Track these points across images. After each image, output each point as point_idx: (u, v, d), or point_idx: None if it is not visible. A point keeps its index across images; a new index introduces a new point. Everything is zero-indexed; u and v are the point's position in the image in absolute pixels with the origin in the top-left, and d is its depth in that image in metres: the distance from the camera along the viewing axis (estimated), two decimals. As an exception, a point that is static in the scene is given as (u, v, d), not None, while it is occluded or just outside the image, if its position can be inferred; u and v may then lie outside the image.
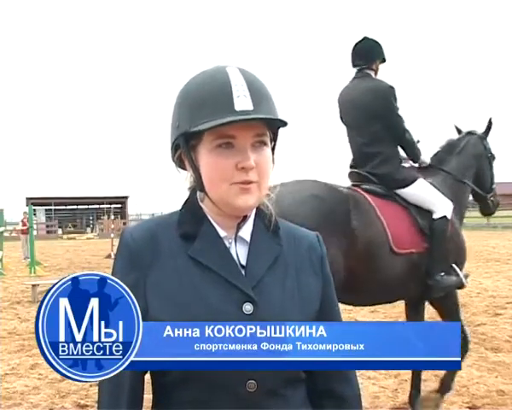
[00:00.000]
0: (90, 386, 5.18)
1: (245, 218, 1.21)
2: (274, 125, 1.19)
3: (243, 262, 1.18)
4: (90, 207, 53.81)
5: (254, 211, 1.24)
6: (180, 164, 1.23)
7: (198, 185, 1.19)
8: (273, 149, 1.22)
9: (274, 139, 1.22)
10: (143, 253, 1.17)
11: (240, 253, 1.19)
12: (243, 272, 1.17)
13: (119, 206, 51.41)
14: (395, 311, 8.47)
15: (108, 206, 50.07)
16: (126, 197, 49.74)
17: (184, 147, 1.17)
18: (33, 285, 10.84)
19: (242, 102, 1.12)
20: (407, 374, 5.25)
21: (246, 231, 1.21)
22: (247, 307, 1.13)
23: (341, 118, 4.02)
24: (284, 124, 1.18)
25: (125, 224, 37.63)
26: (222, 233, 1.20)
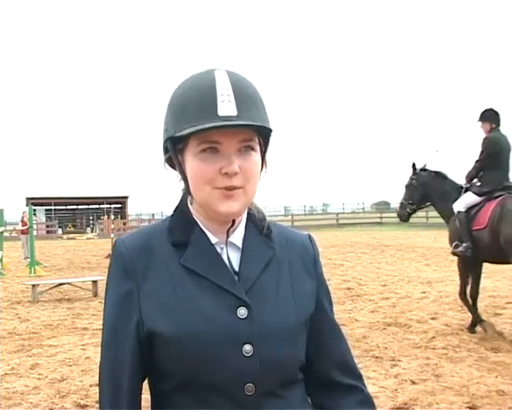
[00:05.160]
0: (90, 386, 5.18)
1: (234, 222, 1.19)
2: (263, 131, 1.15)
3: (236, 267, 1.17)
4: (90, 207, 53.68)
5: (246, 215, 1.23)
6: (171, 165, 1.22)
7: (186, 188, 1.19)
8: (264, 153, 1.19)
9: (265, 144, 1.19)
10: (137, 262, 1.16)
11: (232, 258, 1.18)
12: (236, 277, 1.16)
13: (119, 206, 51.33)
14: (395, 311, 8.48)
15: (108, 206, 50.05)
16: (126, 197, 49.64)
17: (172, 150, 1.17)
18: (33, 285, 10.85)
19: (226, 107, 1.09)
20: (407, 374, 5.26)
21: (237, 236, 1.20)
22: (242, 312, 1.12)
23: (496, 152, 6.69)
24: (269, 130, 1.15)
25: (125, 224, 37.61)
26: (213, 239, 1.19)
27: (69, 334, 7.57)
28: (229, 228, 1.19)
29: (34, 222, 29.63)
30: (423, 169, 7.46)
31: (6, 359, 6.28)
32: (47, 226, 45.35)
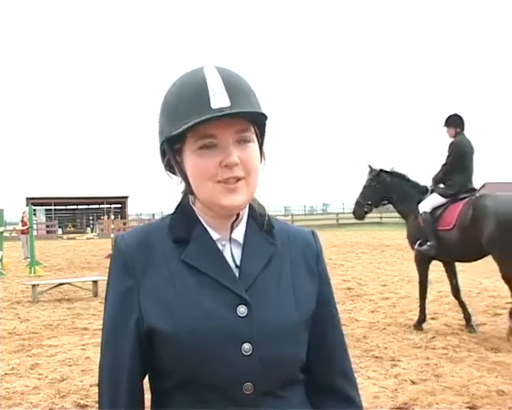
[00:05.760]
0: (90, 386, 5.18)
1: (238, 217, 1.19)
2: (258, 121, 1.16)
3: (238, 264, 1.17)
4: (90, 207, 53.69)
5: (247, 211, 1.22)
6: (170, 169, 1.21)
7: (187, 188, 1.18)
8: (262, 144, 1.20)
9: (261, 135, 1.20)
10: (137, 259, 1.16)
11: (233, 254, 1.18)
12: (237, 274, 1.16)
13: (119, 206, 51.32)
14: (395, 311, 8.48)
15: (108, 206, 50.05)
16: (126, 197, 49.61)
17: (169, 151, 1.17)
18: (33, 285, 10.85)
19: (219, 99, 1.10)
20: (407, 374, 5.26)
21: (239, 233, 1.20)
22: (242, 310, 1.12)
23: (462, 156, 7.01)
24: (264, 117, 1.16)
25: (125, 224, 37.49)
26: (215, 236, 1.17)
27: (69, 334, 7.57)
28: (234, 222, 1.18)
29: (34, 222, 29.62)
30: (384, 170, 7.74)
31: (6, 359, 6.27)
32: (47, 226, 45.34)
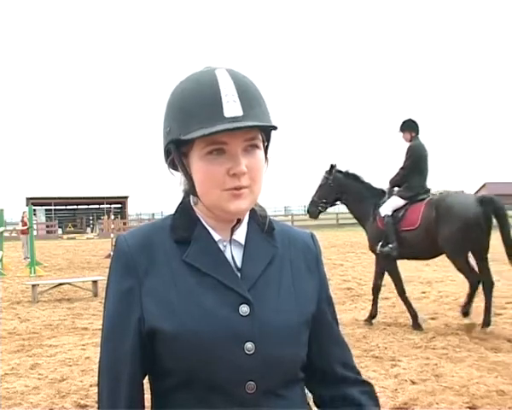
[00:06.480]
0: (90, 386, 5.18)
1: (239, 221, 1.20)
2: (266, 128, 1.17)
3: (239, 265, 1.18)
4: (90, 207, 53.75)
5: (248, 213, 1.23)
6: (173, 167, 1.21)
7: (191, 190, 1.19)
8: (266, 149, 1.20)
9: (267, 140, 1.20)
10: (138, 259, 1.16)
11: (235, 255, 1.18)
12: (239, 275, 1.16)
13: (119, 206, 51.38)
14: (395, 311, 8.47)
15: (108, 206, 50.09)
16: (126, 197, 49.66)
17: (176, 153, 1.16)
18: (33, 285, 10.85)
19: (232, 108, 1.10)
20: (407, 374, 5.25)
21: (240, 234, 1.20)
22: (244, 309, 1.12)
23: (419, 159, 7.34)
24: (275, 128, 1.16)
25: (125, 224, 37.52)
26: (216, 237, 1.18)
27: (69, 334, 7.57)
28: (234, 226, 1.19)
29: (34, 222, 29.65)
30: (339, 170, 7.84)
31: (6, 359, 6.27)
32: (47, 226, 45.35)
